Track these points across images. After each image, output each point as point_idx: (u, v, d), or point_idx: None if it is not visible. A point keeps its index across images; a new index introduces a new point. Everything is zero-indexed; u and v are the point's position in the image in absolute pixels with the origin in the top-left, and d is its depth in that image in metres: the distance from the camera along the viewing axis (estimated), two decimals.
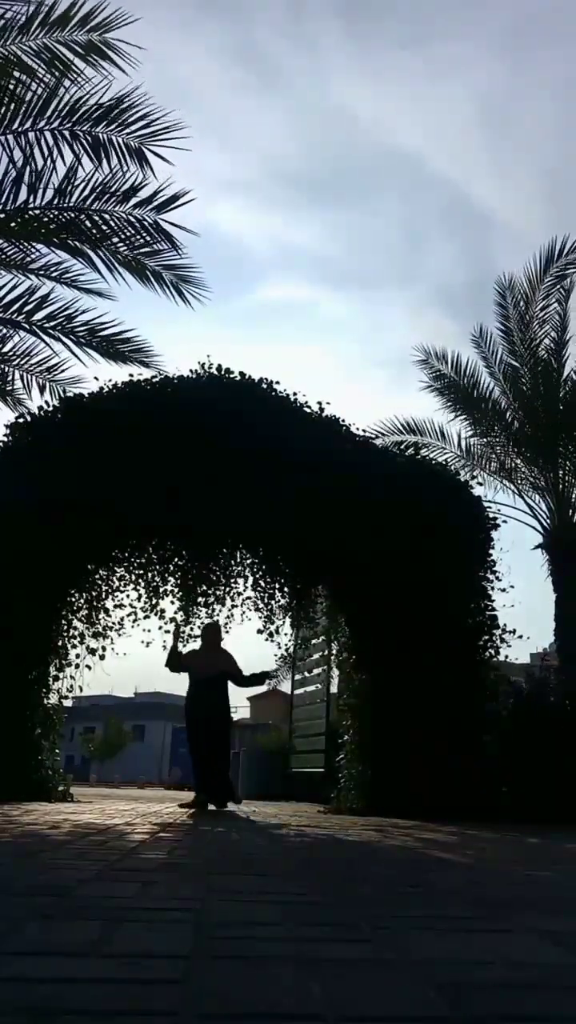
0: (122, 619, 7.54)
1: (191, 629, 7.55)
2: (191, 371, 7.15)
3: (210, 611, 7.62)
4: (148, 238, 7.95)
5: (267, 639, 7.76)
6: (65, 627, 7.38)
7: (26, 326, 8.74)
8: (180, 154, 7.49)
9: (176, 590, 7.60)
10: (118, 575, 7.60)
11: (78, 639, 7.43)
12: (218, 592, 7.62)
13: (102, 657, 7.39)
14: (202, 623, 7.53)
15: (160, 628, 7.55)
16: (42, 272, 8.51)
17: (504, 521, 7.61)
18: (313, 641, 9.22)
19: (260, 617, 7.68)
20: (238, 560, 7.61)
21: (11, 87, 7.30)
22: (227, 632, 7.67)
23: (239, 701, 40.62)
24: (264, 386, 7.10)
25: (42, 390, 9.40)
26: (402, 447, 9.69)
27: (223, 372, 7.13)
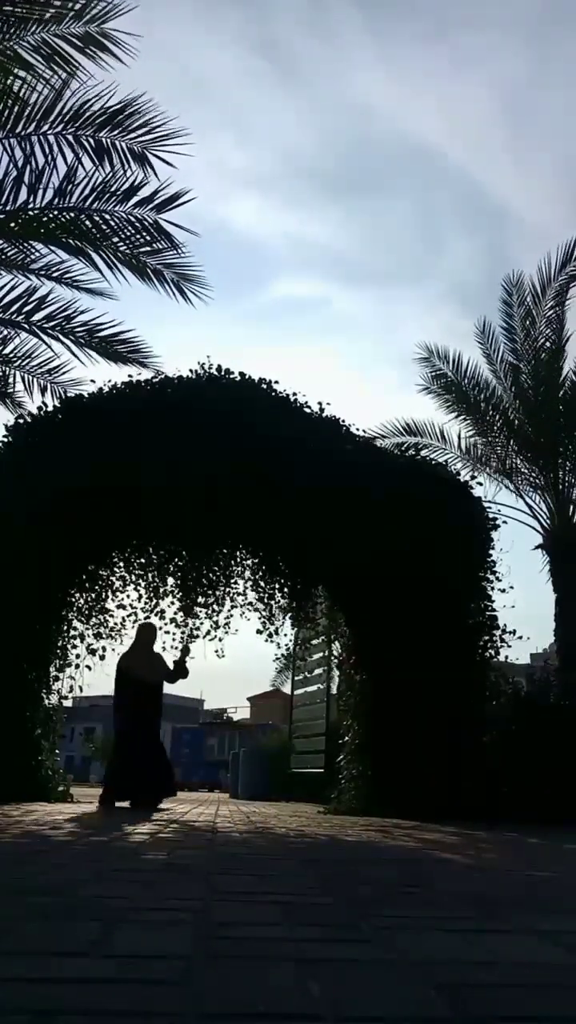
0: (123, 619, 7.57)
1: (191, 629, 7.59)
2: (191, 371, 7.16)
3: (210, 611, 7.63)
4: (148, 237, 7.98)
5: (267, 639, 7.79)
6: (65, 627, 7.39)
7: (26, 326, 8.75)
8: (196, 149, 7.53)
9: (176, 590, 7.61)
10: (118, 575, 7.61)
11: (78, 639, 7.44)
12: (218, 592, 7.63)
13: (102, 657, 7.40)
14: (200, 623, 7.55)
15: (160, 628, 7.57)
16: (42, 272, 8.51)
17: (504, 521, 7.62)
18: (313, 641, 9.23)
19: (260, 617, 7.70)
20: (238, 560, 7.62)
21: (14, 88, 7.29)
22: (226, 632, 7.69)
23: (239, 701, 40.61)
24: (264, 386, 7.10)
25: (43, 392, 9.42)
26: (403, 448, 9.68)
27: (223, 372, 7.13)
